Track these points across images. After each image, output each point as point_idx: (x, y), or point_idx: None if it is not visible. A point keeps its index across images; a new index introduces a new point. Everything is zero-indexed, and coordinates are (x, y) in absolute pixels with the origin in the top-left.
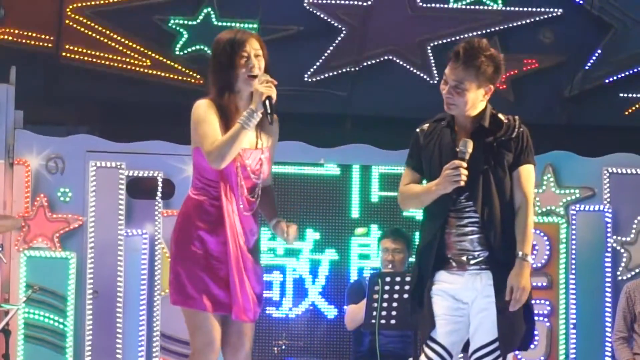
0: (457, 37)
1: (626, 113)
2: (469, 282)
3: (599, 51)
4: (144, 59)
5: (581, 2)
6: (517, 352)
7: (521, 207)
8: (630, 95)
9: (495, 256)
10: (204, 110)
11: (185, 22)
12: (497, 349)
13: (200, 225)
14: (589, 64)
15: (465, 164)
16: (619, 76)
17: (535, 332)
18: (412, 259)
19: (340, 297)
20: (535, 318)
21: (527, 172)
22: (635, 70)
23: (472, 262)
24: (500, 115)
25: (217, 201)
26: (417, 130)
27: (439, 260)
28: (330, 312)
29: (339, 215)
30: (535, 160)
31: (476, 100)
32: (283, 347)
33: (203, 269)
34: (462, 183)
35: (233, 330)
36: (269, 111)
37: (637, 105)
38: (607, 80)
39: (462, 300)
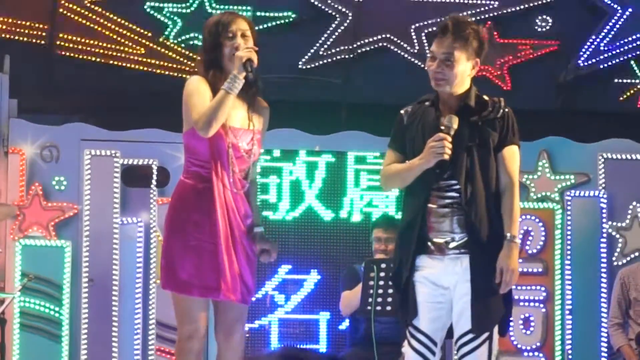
0: None
1: (620, 99)
2: (449, 267)
3: (594, 37)
4: (138, 47)
5: None
6: (512, 339)
7: (507, 189)
8: (624, 80)
9: (475, 237)
10: (194, 84)
11: (179, 9)
12: (482, 334)
13: (192, 208)
14: (584, 51)
15: (449, 138)
16: (614, 62)
17: (512, 319)
18: None
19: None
20: (532, 304)
21: (512, 153)
22: (630, 56)
23: (451, 245)
24: (485, 97)
25: (209, 183)
26: (401, 111)
27: (420, 242)
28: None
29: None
30: (519, 142)
31: (464, 74)
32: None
33: (195, 252)
34: (447, 156)
35: (226, 315)
36: (249, 70)
37: (631, 91)
38: (601, 66)
39: (443, 286)
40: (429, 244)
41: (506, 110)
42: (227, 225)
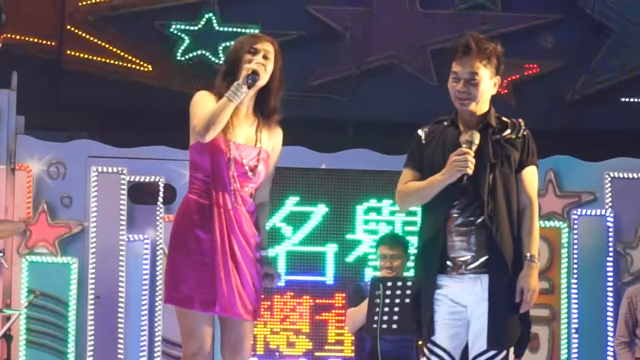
0: None
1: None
2: (469, 287)
3: (600, 56)
4: (145, 65)
5: (582, 6)
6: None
7: (526, 209)
8: (631, 99)
9: (496, 256)
10: (200, 97)
11: (187, 27)
12: (499, 353)
13: (195, 224)
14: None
15: (472, 152)
16: (620, 80)
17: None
18: (410, 264)
19: None
20: (537, 323)
21: (532, 174)
22: (636, 74)
23: (470, 265)
24: (504, 117)
25: (211, 197)
26: (418, 131)
27: (440, 261)
28: None
29: None
30: (537, 164)
31: (487, 92)
32: None
33: (197, 267)
34: (469, 171)
35: (231, 332)
36: (249, 81)
37: None
38: (608, 85)
39: (461, 303)
40: (448, 262)
41: (526, 131)
42: (226, 240)
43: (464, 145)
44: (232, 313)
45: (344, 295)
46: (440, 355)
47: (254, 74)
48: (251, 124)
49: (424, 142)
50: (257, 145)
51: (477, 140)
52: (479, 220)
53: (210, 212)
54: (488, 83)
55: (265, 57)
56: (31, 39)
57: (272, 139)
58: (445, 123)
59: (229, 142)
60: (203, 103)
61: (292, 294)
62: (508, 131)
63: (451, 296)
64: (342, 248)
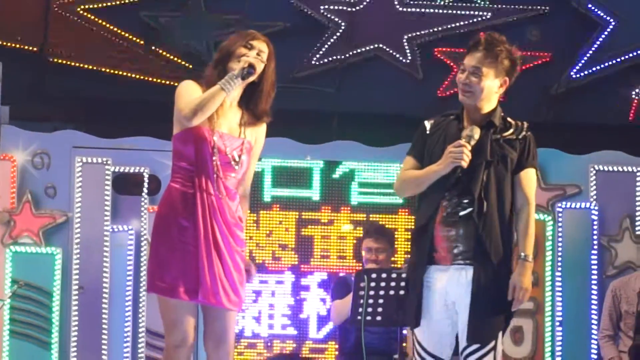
0: (444, 34)
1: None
2: (454, 277)
3: (585, 49)
4: (130, 55)
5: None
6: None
7: (522, 209)
8: (616, 93)
9: (481, 249)
10: (186, 85)
11: (173, 18)
12: (483, 347)
13: (178, 212)
14: (576, 63)
15: (469, 146)
16: (606, 74)
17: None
18: (396, 257)
19: None
20: (521, 316)
21: (531, 175)
22: (622, 67)
23: (456, 255)
24: (509, 119)
25: (194, 186)
26: (425, 121)
27: (429, 251)
28: None
29: None
30: (537, 166)
31: (491, 90)
32: None
33: (181, 256)
34: (464, 163)
35: (215, 324)
36: (244, 73)
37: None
38: (593, 78)
39: (450, 300)
40: (436, 253)
41: (528, 133)
42: (209, 228)
43: (463, 139)
44: (215, 302)
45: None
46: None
47: (250, 67)
48: (235, 115)
49: (428, 132)
50: (241, 136)
51: (476, 136)
52: (467, 213)
53: (193, 200)
54: (492, 81)
55: (258, 55)
56: (16, 30)
57: (256, 132)
58: (452, 117)
59: (213, 131)
60: (189, 92)
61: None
62: (509, 131)
63: (442, 291)
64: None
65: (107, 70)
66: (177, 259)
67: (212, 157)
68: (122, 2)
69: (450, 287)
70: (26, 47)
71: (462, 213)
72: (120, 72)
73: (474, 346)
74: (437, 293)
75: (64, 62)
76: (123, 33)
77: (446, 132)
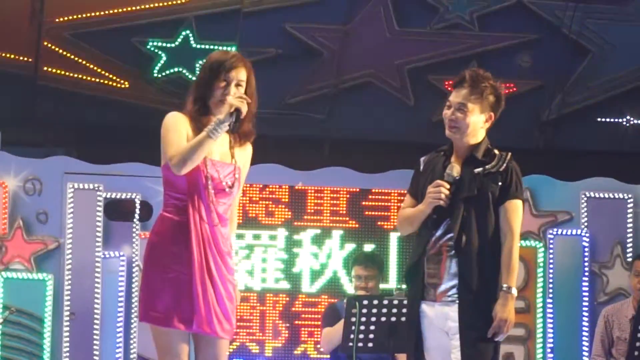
0: (435, 60)
1: None
2: (442, 313)
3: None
4: (122, 81)
5: (559, 26)
6: None
7: (506, 241)
8: (607, 120)
9: (464, 284)
10: (173, 121)
11: (164, 44)
12: None
13: (171, 241)
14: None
15: (447, 185)
16: (597, 100)
17: None
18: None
19: None
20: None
21: (514, 207)
22: (613, 94)
23: (440, 289)
24: (495, 150)
25: (187, 215)
26: (421, 158)
27: (422, 287)
28: None
29: None
30: (523, 197)
31: (477, 125)
32: None
33: (173, 285)
34: (442, 203)
35: (207, 351)
36: (234, 121)
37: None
38: (584, 105)
39: (443, 329)
40: (425, 289)
41: (511, 164)
42: (203, 257)
43: (444, 179)
44: (210, 330)
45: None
46: None
47: (238, 112)
48: (224, 140)
49: (421, 170)
50: (232, 161)
51: (455, 174)
52: (451, 250)
53: (186, 230)
54: (478, 117)
55: (237, 85)
56: (7, 55)
57: (244, 155)
58: (442, 153)
59: (205, 159)
60: (175, 128)
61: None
62: (492, 164)
63: (436, 323)
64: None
65: (99, 95)
66: (170, 288)
67: (206, 187)
68: (114, 27)
69: (439, 320)
70: (18, 72)
71: (449, 251)
72: (112, 98)
73: None
74: (432, 323)
75: (56, 87)
76: (114, 59)
77: (434, 170)
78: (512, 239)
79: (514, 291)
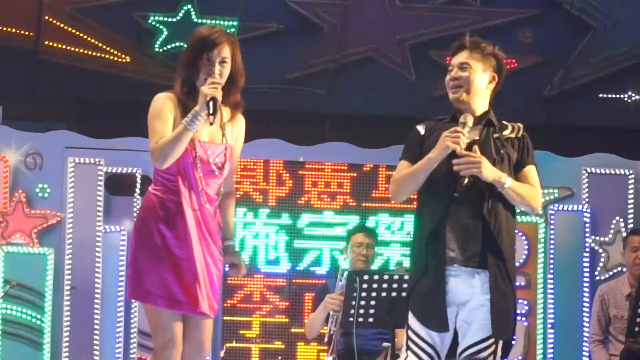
0: (436, 36)
1: None
2: (466, 280)
3: (578, 51)
4: (123, 56)
5: (560, 2)
6: None
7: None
8: (609, 95)
9: (493, 250)
10: (160, 105)
11: (165, 18)
12: (491, 345)
13: (160, 221)
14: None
15: (465, 132)
16: (598, 76)
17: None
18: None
19: None
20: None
21: (533, 171)
22: (614, 70)
23: (470, 258)
24: (504, 121)
25: (176, 195)
26: (417, 126)
27: (440, 255)
28: None
29: None
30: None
31: (481, 84)
32: None
33: (163, 264)
34: (458, 147)
35: (196, 331)
36: (211, 112)
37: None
38: (586, 81)
39: (455, 302)
40: (447, 258)
41: (525, 133)
42: (194, 238)
43: (459, 127)
44: (201, 311)
45: None
46: (426, 351)
47: (213, 100)
48: (215, 118)
49: (423, 135)
50: (223, 141)
51: (470, 123)
52: (478, 214)
53: (176, 210)
54: (481, 75)
55: (222, 62)
56: (8, 29)
57: (235, 128)
58: (446, 120)
59: (193, 140)
60: (161, 116)
61: None
62: (508, 131)
63: (450, 296)
64: None
65: (100, 70)
66: (158, 268)
67: (194, 168)
68: (115, 1)
69: (460, 288)
70: (19, 47)
71: (475, 214)
72: (113, 72)
73: (476, 347)
74: (457, 288)
75: (57, 62)
76: (115, 33)
77: (441, 133)
78: (536, 189)
79: (508, 184)
